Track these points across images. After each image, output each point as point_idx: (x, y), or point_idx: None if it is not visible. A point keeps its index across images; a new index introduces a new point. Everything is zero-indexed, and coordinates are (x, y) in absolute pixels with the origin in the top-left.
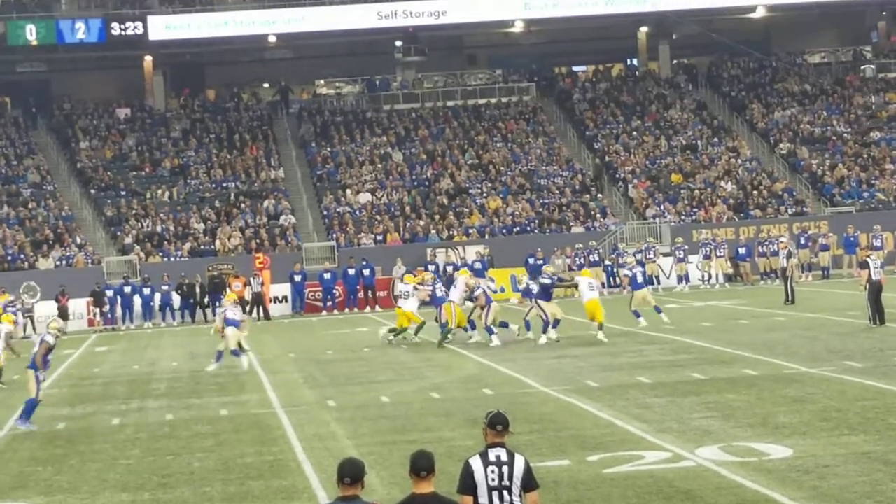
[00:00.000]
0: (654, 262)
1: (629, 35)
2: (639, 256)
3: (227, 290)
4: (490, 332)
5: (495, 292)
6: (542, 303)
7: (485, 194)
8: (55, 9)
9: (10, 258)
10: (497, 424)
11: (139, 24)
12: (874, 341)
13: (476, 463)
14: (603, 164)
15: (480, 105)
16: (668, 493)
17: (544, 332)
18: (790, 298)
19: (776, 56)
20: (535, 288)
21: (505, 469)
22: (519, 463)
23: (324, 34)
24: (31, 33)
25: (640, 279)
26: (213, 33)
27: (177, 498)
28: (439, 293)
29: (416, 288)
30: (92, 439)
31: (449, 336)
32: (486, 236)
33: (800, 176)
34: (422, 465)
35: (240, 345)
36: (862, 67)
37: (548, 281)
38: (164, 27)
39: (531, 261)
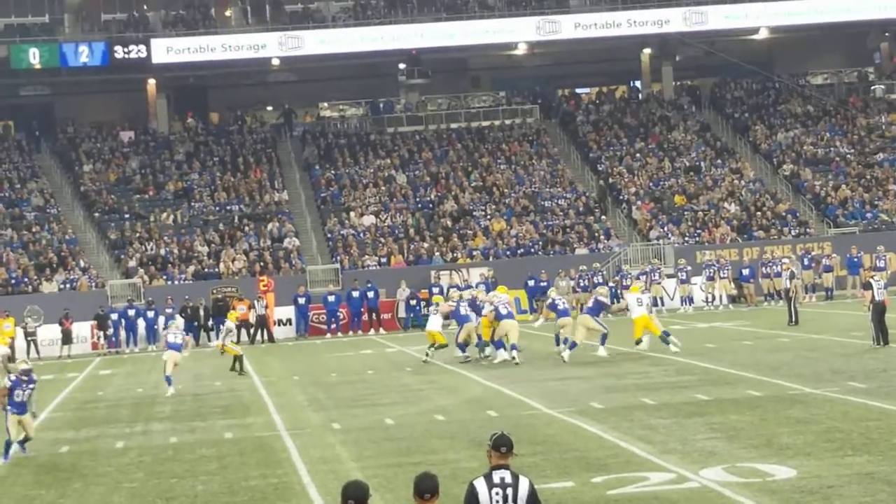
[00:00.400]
0: (660, 283)
1: (632, 57)
2: (643, 278)
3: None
4: (498, 346)
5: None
6: (590, 318)
7: (489, 216)
8: (58, 32)
9: (13, 282)
10: (501, 446)
11: (142, 47)
12: (878, 362)
13: (480, 485)
14: (606, 186)
15: (484, 127)
16: None
17: (602, 343)
18: (794, 319)
19: (779, 78)
20: (560, 304)
21: (509, 491)
22: (523, 485)
23: (327, 57)
24: (34, 57)
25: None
26: (217, 56)
27: None
28: (463, 311)
29: (437, 304)
30: (96, 463)
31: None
32: (490, 258)
33: (803, 197)
34: (426, 488)
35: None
36: (872, 87)
37: (606, 300)
38: (167, 50)
39: (531, 283)
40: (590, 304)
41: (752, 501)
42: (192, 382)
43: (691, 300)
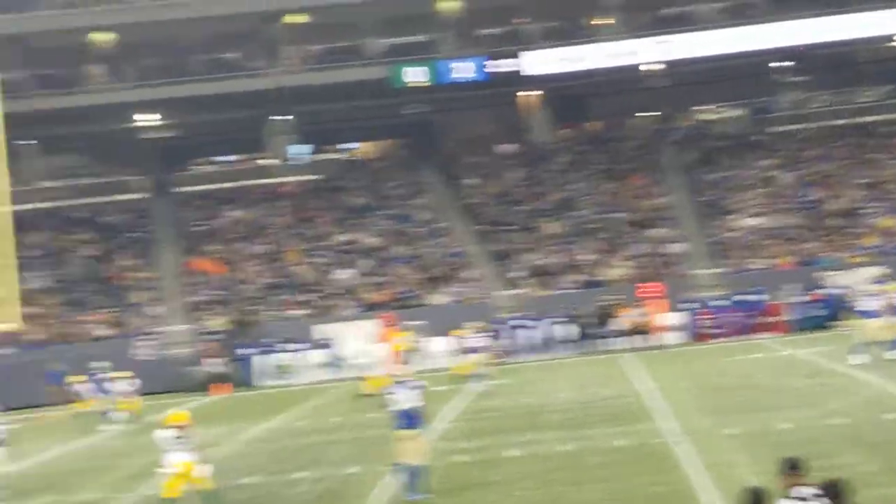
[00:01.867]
0: None
1: None
2: None
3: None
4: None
5: None
6: None
7: (878, 213)
8: (435, 50)
9: (403, 295)
10: (791, 468)
11: (515, 60)
12: None
13: None
14: None
15: (871, 122)
16: None
17: None
18: None
19: None
20: None
21: None
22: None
23: (702, 59)
24: (413, 75)
25: None
26: (589, 65)
27: None
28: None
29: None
30: (487, 472)
31: None
32: (883, 257)
33: None
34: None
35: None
36: None
37: None
38: (540, 62)
39: None
40: None
41: None
42: (578, 391)
43: None
